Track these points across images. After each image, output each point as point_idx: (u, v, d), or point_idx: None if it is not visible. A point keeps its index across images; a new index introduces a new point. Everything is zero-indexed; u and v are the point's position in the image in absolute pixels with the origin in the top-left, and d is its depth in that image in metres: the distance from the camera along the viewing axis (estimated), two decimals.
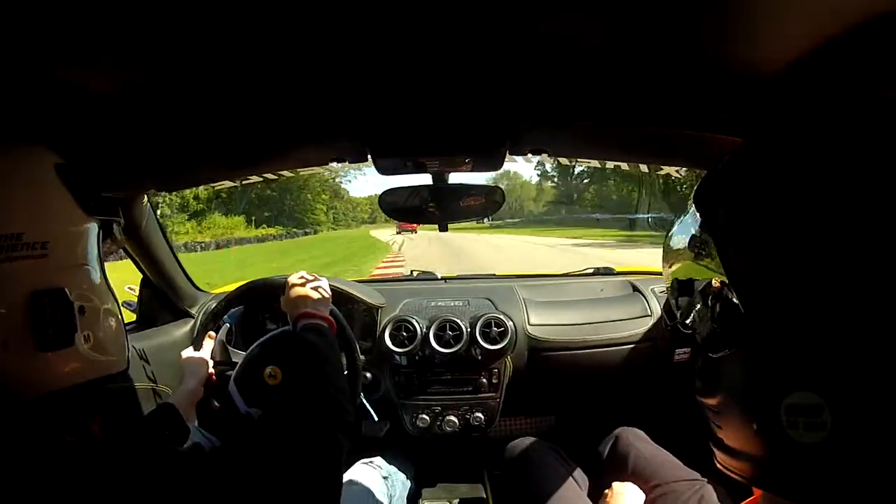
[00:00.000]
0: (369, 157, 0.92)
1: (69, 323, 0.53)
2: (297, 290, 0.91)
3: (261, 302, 1.32)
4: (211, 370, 1.06)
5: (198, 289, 1.48)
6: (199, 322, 1.34)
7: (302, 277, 0.95)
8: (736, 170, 0.43)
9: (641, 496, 0.94)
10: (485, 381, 1.31)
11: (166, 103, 0.69)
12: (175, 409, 0.93)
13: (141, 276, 1.32)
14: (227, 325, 1.13)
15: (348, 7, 0.47)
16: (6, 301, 0.51)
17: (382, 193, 0.97)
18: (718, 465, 0.44)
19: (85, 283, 0.57)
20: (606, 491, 0.96)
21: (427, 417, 1.31)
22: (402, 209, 0.97)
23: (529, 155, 0.97)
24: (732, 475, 0.42)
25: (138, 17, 0.47)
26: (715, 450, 0.45)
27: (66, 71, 0.58)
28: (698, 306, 0.45)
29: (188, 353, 1.11)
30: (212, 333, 1.15)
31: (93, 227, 0.61)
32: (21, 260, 0.52)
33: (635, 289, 1.48)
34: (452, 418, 1.30)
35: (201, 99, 0.70)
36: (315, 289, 0.92)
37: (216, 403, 1.07)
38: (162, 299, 1.36)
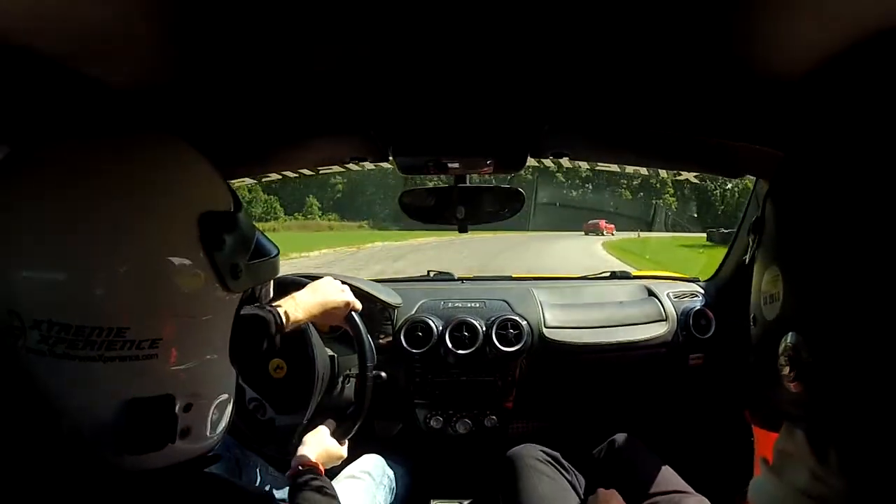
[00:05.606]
0: (390, 157, 0.93)
1: (167, 431, 0.42)
2: (332, 446, 0.90)
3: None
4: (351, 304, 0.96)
5: None
6: None
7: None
8: (784, 179, 0.44)
9: None
10: (499, 382, 1.31)
11: (185, 99, 0.68)
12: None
13: None
14: None
15: (371, 6, 0.48)
16: (96, 407, 0.39)
17: (401, 195, 0.98)
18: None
19: (202, 380, 0.44)
20: (590, 498, 0.96)
21: (441, 418, 1.31)
22: (422, 210, 0.97)
23: (550, 158, 0.97)
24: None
25: (158, 12, 0.46)
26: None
27: (81, 65, 0.50)
28: None
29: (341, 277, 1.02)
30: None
31: (229, 307, 0.45)
32: (119, 362, 0.38)
33: (651, 293, 1.47)
34: (466, 419, 1.31)
35: (222, 95, 0.69)
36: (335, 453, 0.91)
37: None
38: None
